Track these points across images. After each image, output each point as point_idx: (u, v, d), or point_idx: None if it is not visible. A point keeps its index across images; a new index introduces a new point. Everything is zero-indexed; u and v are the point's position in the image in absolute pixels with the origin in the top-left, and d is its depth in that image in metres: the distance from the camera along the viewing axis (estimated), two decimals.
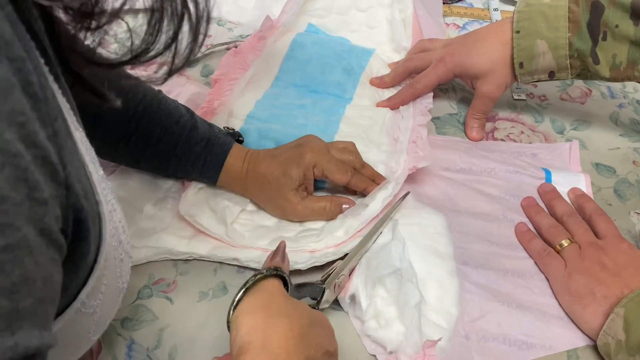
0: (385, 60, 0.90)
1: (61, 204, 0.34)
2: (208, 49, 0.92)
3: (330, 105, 0.82)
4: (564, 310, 0.63)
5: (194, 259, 0.66)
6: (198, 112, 0.73)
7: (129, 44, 0.39)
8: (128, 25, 0.39)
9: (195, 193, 0.70)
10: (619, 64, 0.72)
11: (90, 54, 0.41)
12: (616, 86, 0.91)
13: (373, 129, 0.79)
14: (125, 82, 0.62)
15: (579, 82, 0.92)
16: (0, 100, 0.29)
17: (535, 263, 0.67)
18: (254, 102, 0.81)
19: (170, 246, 0.65)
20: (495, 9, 1.03)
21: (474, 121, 0.82)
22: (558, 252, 0.66)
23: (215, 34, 0.95)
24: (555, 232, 0.67)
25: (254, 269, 0.65)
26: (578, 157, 0.79)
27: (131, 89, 0.66)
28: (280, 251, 0.56)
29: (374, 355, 0.59)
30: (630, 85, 0.91)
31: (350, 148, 0.71)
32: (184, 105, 0.70)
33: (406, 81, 0.85)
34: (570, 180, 0.75)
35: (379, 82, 0.86)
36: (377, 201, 0.66)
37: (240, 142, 0.74)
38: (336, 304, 0.62)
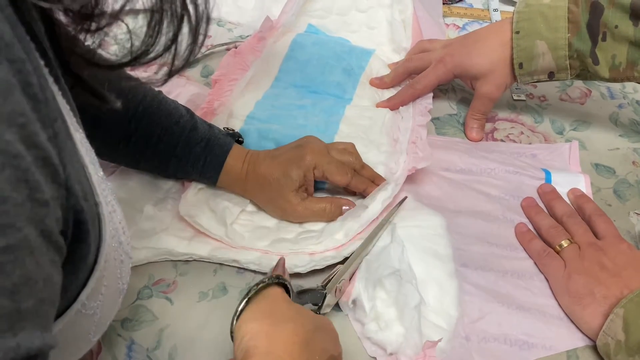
0: (385, 61, 0.90)
1: (61, 205, 0.34)
2: (208, 50, 0.92)
3: (330, 106, 0.82)
4: (563, 310, 0.63)
5: (194, 260, 0.66)
6: (198, 113, 0.73)
7: (128, 45, 0.39)
8: (128, 27, 0.39)
9: (195, 194, 0.70)
10: (618, 64, 0.72)
11: (90, 56, 0.41)
12: (616, 87, 0.91)
13: (373, 130, 0.79)
14: (125, 83, 0.62)
15: (579, 83, 0.92)
16: (1, 102, 0.29)
17: (535, 263, 0.67)
18: (253, 102, 0.81)
19: (170, 247, 0.66)
20: (495, 10, 1.03)
21: (473, 122, 0.82)
22: (558, 253, 0.66)
23: (215, 35, 0.95)
24: (554, 232, 0.67)
25: (254, 271, 0.65)
26: (578, 158, 0.79)
27: (131, 90, 0.66)
28: (280, 266, 0.56)
29: (374, 358, 0.59)
30: (629, 86, 0.91)
31: (350, 149, 0.71)
32: (184, 106, 0.70)
33: (406, 82, 0.86)
34: (570, 180, 0.75)
35: (379, 83, 0.86)
36: (377, 202, 0.67)
37: (240, 142, 0.74)
38: (336, 306, 0.62)
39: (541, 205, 0.73)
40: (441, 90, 0.89)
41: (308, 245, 0.65)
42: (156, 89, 0.69)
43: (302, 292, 0.58)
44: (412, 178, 0.71)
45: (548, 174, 0.76)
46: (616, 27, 0.70)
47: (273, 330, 0.47)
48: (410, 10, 0.93)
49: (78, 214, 0.36)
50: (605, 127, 0.85)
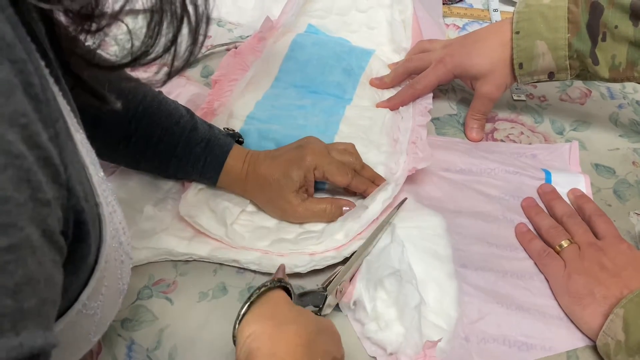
0: (385, 61, 0.90)
1: (62, 205, 0.34)
2: (208, 50, 0.92)
3: (330, 106, 0.82)
4: (563, 310, 0.63)
5: (194, 260, 0.66)
6: (198, 113, 0.74)
7: (129, 46, 0.39)
8: (128, 28, 0.39)
9: (195, 194, 0.70)
10: (618, 64, 0.72)
11: (90, 56, 0.41)
12: (616, 87, 0.91)
13: (373, 130, 0.79)
14: (125, 84, 0.62)
15: (579, 83, 0.92)
16: (3, 102, 0.29)
17: (535, 264, 0.67)
18: (253, 102, 0.81)
19: (170, 247, 0.66)
20: (495, 10, 1.03)
21: (473, 122, 0.82)
22: (558, 253, 0.66)
23: (215, 35, 0.95)
24: (554, 232, 0.67)
25: (254, 271, 0.65)
26: (578, 158, 0.79)
27: (131, 90, 0.66)
28: (280, 271, 0.56)
29: (374, 357, 0.59)
30: (629, 86, 0.91)
31: (350, 149, 0.71)
32: (184, 106, 0.70)
33: (406, 82, 0.86)
34: (570, 180, 0.75)
35: (379, 83, 0.86)
36: (377, 203, 0.67)
37: (241, 143, 0.74)
38: (336, 306, 0.62)
39: (541, 205, 0.73)
40: (441, 91, 0.89)
41: (308, 246, 0.65)
42: (156, 89, 0.69)
43: (303, 295, 0.58)
44: (412, 178, 0.71)
45: (548, 174, 0.76)
46: (616, 27, 0.71)
47: (276, 332, 0.47)
48: (410, 10, 0.93)
49: (79, 214, 0.37)
50: (605, 128, 0.85)
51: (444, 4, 1.03)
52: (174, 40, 0.39)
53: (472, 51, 0.79)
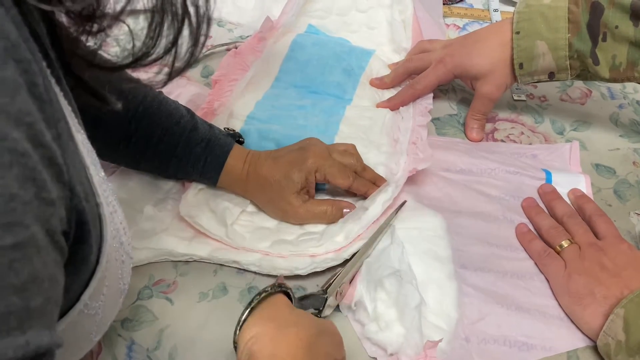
0: (385, 61, 0.90)
1: (66, 205, 0.34)
2: (208, 50, 0.92)
3: (330, 106, 0.82)
4: (563, 311, 0.63)
5: (194, 260, 0.66)
6: (198, 113, 0.73)
7: (129, 46, 0.39)
8: (130, 28, 0.39)
9: (195, 194, 0.70)
10: (618, 64, 0.72)
11: (91, 57, 0.41)
12: (616, 87, 0.91)
13: (373, 130, 0.79)
14: (126, 84, 0.62)
15: (579, 83, 0.92)
16: (8, 101, 0.29)
17: (535, 264, 0.67)
18: (254, 102, 0.81)
19: (170, 247, 0.66)
20: (495, 10, 1.03)
21: (474, 122, 0.82)
22: (558, 253, 0.66)
23: (216, 35, 0.95)
24: (555, 233, 0.67)
25: (254, 272, 0.65)
26: (578, 158, 0.79)
27: (131, 91, 0.66)
28: (280, 278, 0.56)
29: (375, 358, 0.59)
30: (630, 86, 0.91)
31: (351, 151, 0.71)
32: (184, 106, 0.70)
33: (406, 82, 0.86)
34: (571, 181, 0.75)
35: (379, 83, 0.86)
36: (377, 204, 0.67)
37: (241, 143, 0.74)
38: (336, 307, 0.62)
39: (542, 205, 0.73)
40: (441, 91, 0.89)
41: (309, 248, 0.65)
42: (157, 90, 0.69)
43: (303, 298, 0.58)
44: (412, 178, 0.71)
45: (548, 174, 0.76)
46: (616, 27, 0.71)
47: (277, 334, 0.47)
48: (411, 10, 0.93)
49: (80, 214, 0.37)
50: (606, 128, 0.85)
51: (444, 4, 1.03)
52: (174, 42, 0.39)
53: (473, 51, 0.79)
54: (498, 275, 0.66)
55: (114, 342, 0.59)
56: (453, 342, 0.59)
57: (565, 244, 0.66)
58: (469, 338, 0.60)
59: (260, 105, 0.81)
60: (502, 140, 0.83)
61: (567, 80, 0.80)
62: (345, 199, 0.71)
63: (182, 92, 0.83)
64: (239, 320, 0.49)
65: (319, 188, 0.71)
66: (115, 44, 0.40)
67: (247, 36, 0.94)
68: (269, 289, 0.51)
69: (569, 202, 0.73)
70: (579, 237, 0.66)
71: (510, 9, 1.03)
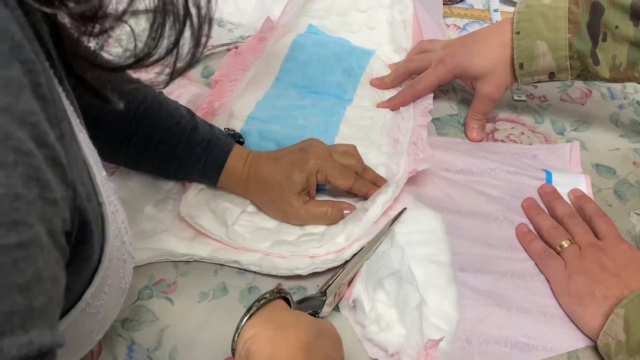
0: (386, 61, 0.90)
1: (69, 205, 0.34)
2: (209, 50, 0.92)
3: (330, 106, 0.82)
4: (564, 311, 0.63)
5: (195, 260, 0.66)
6: (199, 113, 0.74)
7: (131, 47, 0.40)
8: (132, 28, 0.39)
9: (195, 194, 0.70)
10: (619, 64, 0.72)
11: (93, 58, 0.41)
12: (616, 87, 0.91)
13: (373, 130, 0.79)
14: (127, 85, 0.62)
15: (579, 83, 0.92)
16: (13, 100, 0.29)
17: (536, 264, 0.67)
18: (254, 103, 0.81)
19: (170, 248, 0.66)
20: (496, 10, 1.03)
21: (474, 122, 0.82)
22: (558, 253, 0.66)
23: (216, 35, 0.95)
24: (555, 233, 0.67)
25: (255, 272, 0.65)
26: (578, 158, 0.79)
27: (132, 91, 0.66)
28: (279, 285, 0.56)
29: (376, 359, 0.59)
30: (630, 86, 0.91)
31: (351, 151, 0.71)
32: (184, 107, 0.70)
33: (406, 82, 0.86)
34: (571, 181, 0.75)
35: (379, 83, 0.86)
36: (377, 206, 0.66)
37: (241, 143, 0.74)
38: (336, 308, 0.62)
39: (542, 205, 0.73)
40: (442, 91, 0.89)
41: (309, 249, 0.65)
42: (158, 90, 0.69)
43: (302, 301, 0.57)
44: (412, 179, 0.71)
45: (549, 174, 0.76)
46: (616, 27, 0.71)
47: (276, 335, 0.47)
48: (411, 10, 0.93)
49: (82, 214, 0.37)
50: (606, 128, 0.85)
51: (444, 4, 1.03)
52: (176, 42, 0.39)
53: (473, 51, 0.79)
54: (498, 276, 0.66)
55: (114, 342, 0.59)
56: (454, 343, 0.59)
57: (565, 244, 0.66)
58: (470, 339, 0.60)
59: (261, 105, 0.81)
60: (502, 141, 0.83)
61: (567, 81, 0.80)
62: (345, 200, 0.71)
63: (183, 92, 0.83)
64: (238, 327, 0.49)
65: (319, 189, 0.71)
66: (117, 45, 0.40)
67: (248, 36, 0.94)
68: (268, 295, 0.51)
69: (569, 202, 0.73)
70: (579, 237, 0.66)
71: (511, 9, 1.03)
